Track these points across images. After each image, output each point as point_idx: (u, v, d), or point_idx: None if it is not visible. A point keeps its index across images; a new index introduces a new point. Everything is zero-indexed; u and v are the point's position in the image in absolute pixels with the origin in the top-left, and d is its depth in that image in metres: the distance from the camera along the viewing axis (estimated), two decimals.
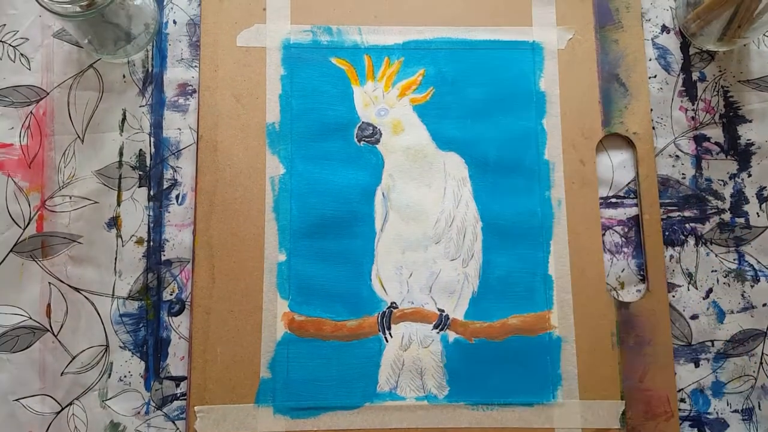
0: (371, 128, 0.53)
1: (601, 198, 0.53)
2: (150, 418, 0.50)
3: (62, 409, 0.50)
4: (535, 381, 0.50)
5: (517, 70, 0.55)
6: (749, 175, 0.54)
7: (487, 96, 0.54)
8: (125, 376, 0.50)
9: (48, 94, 0.54)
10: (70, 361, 0.50)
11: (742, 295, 0.53)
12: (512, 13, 0.55)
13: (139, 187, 0.53)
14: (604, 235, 0.53)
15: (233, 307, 0.51)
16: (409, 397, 0.50)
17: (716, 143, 0.55)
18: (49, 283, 0.51)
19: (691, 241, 0.53)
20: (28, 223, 0.52)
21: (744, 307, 0.53)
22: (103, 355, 0.51)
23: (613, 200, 0.54)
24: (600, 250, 0.52)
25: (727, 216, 0.54)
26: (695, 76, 0.56)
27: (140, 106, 0.54)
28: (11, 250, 0.52)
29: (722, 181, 0.54)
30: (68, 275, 0.51)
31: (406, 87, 0.54)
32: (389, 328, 0.51)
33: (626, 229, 0.53)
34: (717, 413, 0.51)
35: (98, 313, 0.51)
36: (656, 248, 0.52)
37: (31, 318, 0.51)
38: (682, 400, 0.51)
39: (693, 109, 0.55)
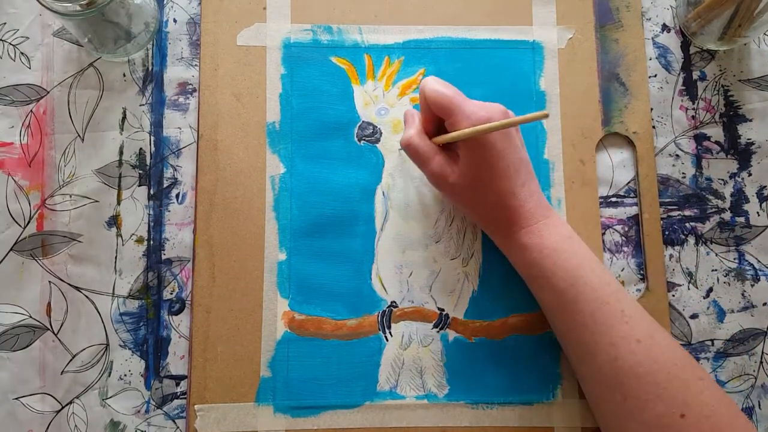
0: (371, 127, 0.53)
1: (601, 197, 0.53)
2: (150, 417, 0.50)
3: (62, 408, 0.50)
4: (534, 380, 0.50)
5: (517, 69, 0.55)
6: (749, 175, 0.54)
7: (488, 95, 0.54)
8: (125, 375, 0.50)
9: (48, 92, 0.54)
10: (70, 360, 0.50)
11: (743, 295, 0.53)
12: (512, 12, 0.55)
13: (140, 185, 0.53)
14: (603, 234, 0.53)
15: (233, 306, 0.51)
16: (409, 396, 0.50)
17: (716, 142, 0.55)
18: (49, 281, 0.51)
19: (691, 240, 0.53)
20: (28, 222, 0.52)
21: (744, 307, 0.53)
22: (103, 354, 0.51)
23: (613, 199, 0.54)
24: (600, 250, 0.52)
25: (727, 215, 0.54)
26: (695, 75, 0.56)
27: (140, 105, 0.54)
28: (11, 249, 0.52)
29: (722, 180, 0.54)
30: (68, 274, 0.51)
31: (407, 86, 0.54)
32: (389, 327, 0.51)
33: (626, 229, 0.53)
34: None
35: (98, 312, 0.51)
36: (656, 247, 0.53)
37: (31, 317, 0.51)
38: None
39: (693, 109, 0.55)
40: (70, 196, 0.52)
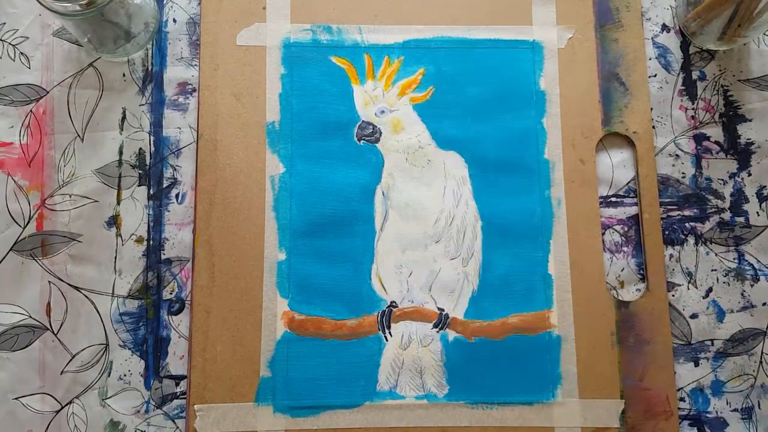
0: (371, 127, 0.53)
1: (601, 197, 0.53)
2: (150, 417, 0.50)
3: (62, 408, 0.50)
4: (534, 380, 0.50)
5: (517, 69, 0.55)
6: (749, 174, 0.54)
7: (487, 95, 0.54)
8: (125, 375, 0.50)
9: (48, 92, 0.54)
10: (70, 360, 0.50)
11: (742, 295, 0.53)
12: (512, 12, 0.55)
13: (139, 185, 0.53)
14: (603, 234, 0.53)
15: (233, 306, 0.51)
16: (408, 396, 0.50)
17: (716, 142, 0.55)
18: (49, 281, 0.51)
19: (691, 240, 0.53)
20: (28, 222, 0.52)
21: (744, 307, 0.53)
22: (102, 354, 0.51)
23: (613, 199, 0.54)
24: (600, 250, 0.52)
25: (726, 215, 0.54)
26: (695, 75, 0.56)
27: (140, 105, 0.54)
28: (11, 249, 0.52)
29: (722, 180, 0.54)
30: (68, 274, 0.51)
31: (406, 86, 0.54)
32: (389, 327, 0.51)
33: (626, 228, 0.53)
34: (716, 412, 0.51)
35: (98, 312, 0.51)
36: (656, 247, 0.53)
37: (30, 317, 0.51)
38: (682, 399, 0.51)
39: (693, 108, 0.55)
40: (70, 196, 0.52)
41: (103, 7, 0.47)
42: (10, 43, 0.54)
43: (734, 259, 0.53)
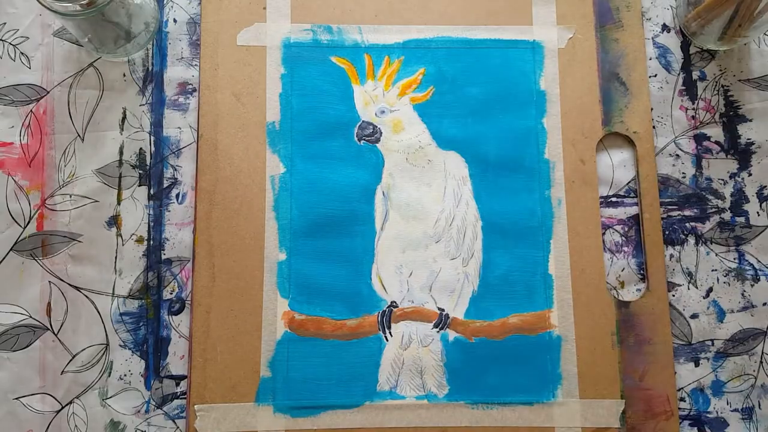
0: (371, 127, 0.53)
1: (602, 197, 0.53)
2: (150, 417, 0.50)
3: (62, 408, 0.50)
4: (535, 380, 0.50)
5: (517, 69, 0.55)
6: (749, 174, 0.54)
7: (488, 95, 0.54)
8: (125, 375, 0.50)
9: (48, 92, 0.54)
10: (70, 360, 0.50)
11: (742, 295, 0.53)
12: (512, 12, 0.55)
13: (140, 185, 0.53)
14: (604, 234, 0.53)
15: (233, 306, 0.51)
16: (409, 396, 0.50)
17: (716, 142, 0.55)
18: (50, 281, 0.51)
19: (692, 240, 0.53)
20: (29, 222, 0.52)
21: (744, 307, 0.53)
22: (103, 354, 0.51)
23: (614, 199, 0.54)
24: (600, 249, 0.52)
25: (727, 215, 0.54)
26: (695, 75, 0.56)
27: (140, 105, 0.54)
28: (11, 249, 0.52)
29: (722, 180, 0.54)
30: (68, 274, 0.51)
31: (407, 86, 0.54)
32: (389, 327, 0.51)
33: (626, 228, 0.53)
34: (717, 412, 0.51)
35: (98, 312, 0.51)
36: (656, 247, 0.52)
37: (31, 317, 0.51)
38: (682, 399, 0.51)
39: (693, 109, 0.55)
40: (70, 196, 0.52)
41: (103, 7, 0.47)
42: (10, 43, 0.54)
43: (734, 259, 0.53)
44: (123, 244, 0.52)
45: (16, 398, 0.50)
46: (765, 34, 0.56)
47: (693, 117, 0.55)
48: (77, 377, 0.50)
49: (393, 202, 0.52)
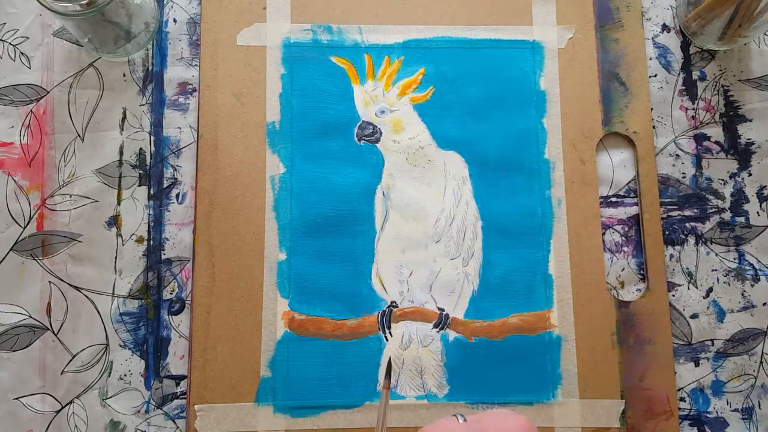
0: (371, 127, 0.53)
1: (602, 197, 0.53)
2: (150, 417, 0.50)
3: (62, 408, 0.50)
4: (535, 380, 0.50)
5: (517, 69, 0.55)
6: (749, 175, 0.54)
7: (488, 95, 0.54)
8: (125, 375, 0.50)
9: (48, 92, 0.54)
10: (70, 360, 0.50)
11: (742, 295, 0.53)
12: (512, 12, 0.55)
13: (140, 185, 0.53)
14: (604, 234, 0.53)
15: (233, 306, 0.51)
16: (409, 396, 0.50)
17: (716, 142, 0.55)
18: (50, 281, 0.51)
19: (692, 240, 0.53)
20: (29, 222, 0.52)
21: (744, 307, 0.53)
22: (103, 354, 0.51)
23: (614, 199, 0.54)
24: (600, 249, 0.52)
25: (727, 215, 0.54)
26: (695, 75, 0.56)
27: (140, 105, 0.54)
28: (11, 249, 0.52)
29: (722, 180, 0.54)
30: (68, 274, 0.51)
31: (407, 86, 0.54)
32: (389, 327, 0.51)
33: (626, 228, 0.53)
34: (717, 412, 0.51)
35: (98, 312, 0.51)
36: (656, 247, 0.52)
37: (31, 317, 0.51)
38: (682, 399, 0.51)
39: (693, 109, 0.55)
40: (70, 196, 0.52)
41: (103, 7, 0.47)
42: (10, 43, 0.54)
43: (734, 259, 0.53)
44: (123, 244, 0.52)
45: (16, 398, 0.50)
46: (765, 34, 0.56)
47: (693, 117, 0.55)
48: (77, 377, 0.50)
49: (393, 202, 0.52)
